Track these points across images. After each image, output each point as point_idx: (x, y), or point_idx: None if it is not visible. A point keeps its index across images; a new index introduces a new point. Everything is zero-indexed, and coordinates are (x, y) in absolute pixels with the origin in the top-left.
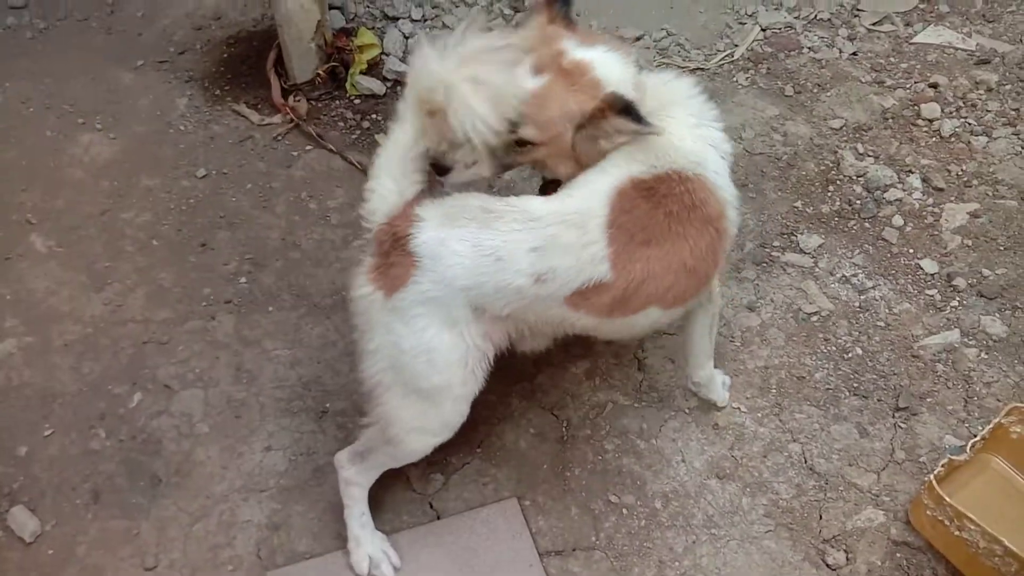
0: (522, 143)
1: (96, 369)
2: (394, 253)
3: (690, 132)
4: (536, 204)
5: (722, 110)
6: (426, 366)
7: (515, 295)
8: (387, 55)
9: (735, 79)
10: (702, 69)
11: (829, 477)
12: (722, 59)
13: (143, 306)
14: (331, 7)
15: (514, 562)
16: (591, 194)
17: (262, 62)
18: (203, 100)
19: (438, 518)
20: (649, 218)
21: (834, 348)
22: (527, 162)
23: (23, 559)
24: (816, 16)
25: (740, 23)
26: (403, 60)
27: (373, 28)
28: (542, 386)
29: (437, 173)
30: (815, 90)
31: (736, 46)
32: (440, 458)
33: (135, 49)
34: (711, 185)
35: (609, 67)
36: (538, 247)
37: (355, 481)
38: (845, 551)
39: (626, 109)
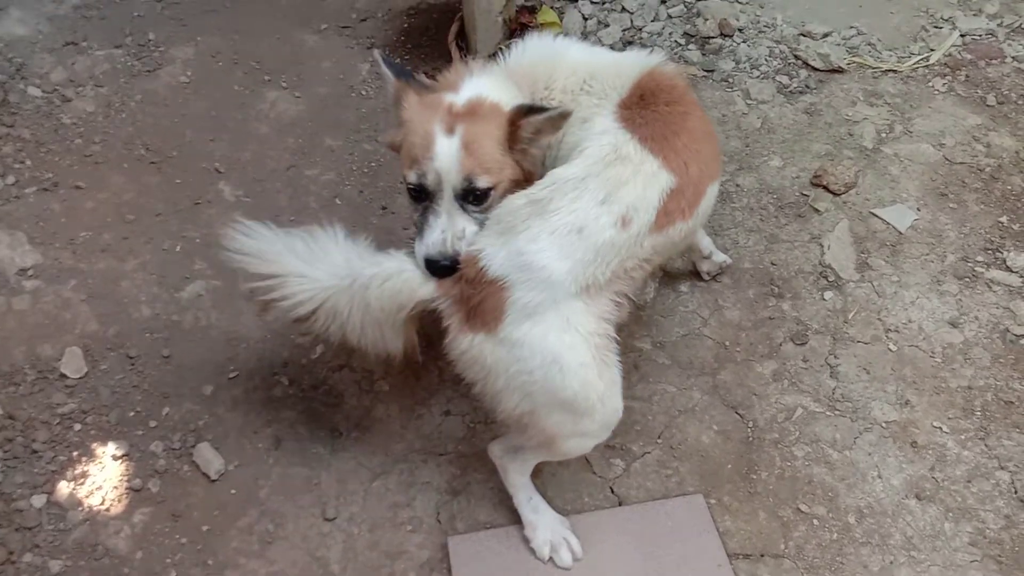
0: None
1: (280, 318)
2: (476, 293)
3: (595, 53)
4: (567, 171)
5: (917, 114)
6: (559, 375)
7: (610, 249)
8: (567, 35)
9: (931, 84)
10: (895, 71)
11: None
12: (916, 63)
13: None
14: None
15: (701, 560)
16: (604, 134)
17: (441, 34)
18: None
19: (619, 503)
20: (660, 116)
21: None
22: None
23: (207, 496)
24: (1020, 25)
25: (936, 27)
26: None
27: (555, 7)
28: (725, 383)
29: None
30: (1020, 102)
31: (932, 50)
32: (619, 444)
33: (319, 13)
34: (660, 67)
35: (490, 87)
36: (606, 196)
37: (513, 470)
38: None
39: (529, 110)
